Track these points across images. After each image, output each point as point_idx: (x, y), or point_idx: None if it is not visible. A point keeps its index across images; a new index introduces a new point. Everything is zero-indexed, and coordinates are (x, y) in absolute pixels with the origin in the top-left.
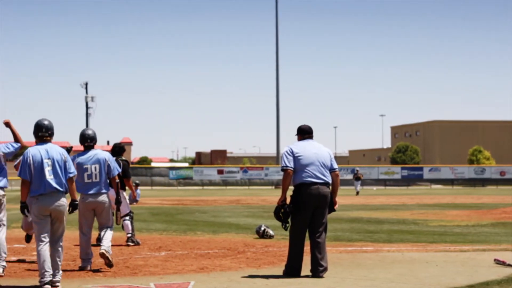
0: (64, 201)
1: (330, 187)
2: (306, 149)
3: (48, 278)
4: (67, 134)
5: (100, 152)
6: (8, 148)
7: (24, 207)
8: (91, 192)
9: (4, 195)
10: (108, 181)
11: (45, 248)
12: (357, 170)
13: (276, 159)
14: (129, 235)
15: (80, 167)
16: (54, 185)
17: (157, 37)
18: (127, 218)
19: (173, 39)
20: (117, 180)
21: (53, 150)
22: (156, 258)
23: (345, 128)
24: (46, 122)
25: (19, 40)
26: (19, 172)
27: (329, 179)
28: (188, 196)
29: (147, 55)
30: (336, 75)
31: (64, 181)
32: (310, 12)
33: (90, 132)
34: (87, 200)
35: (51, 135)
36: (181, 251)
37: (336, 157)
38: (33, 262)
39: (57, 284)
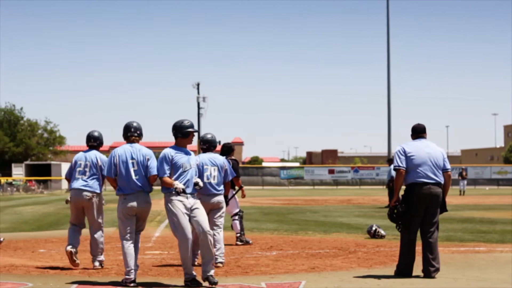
0: (150, 201)
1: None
2: (419, 149)
3: (133, 276)
4: None
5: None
6: (104, 163)
7: None
8: None
9: (92, 196)
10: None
11: (131, 246)
12: (462, 169)
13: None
14: (238, 234)
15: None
16: (140, 185)
17: (268, 37)
18: (236, 217)
19: (285, 39)
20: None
21: (138, 151)
22: (267, 257)
23: (457, 127)
24: (135, 123)
25: (134, 42)
26: (105, 171)
27: (441, 179)
28: (299, 195)
29: (258, 55)
30: (448, 74)
31: (147, 182)
32: (422, 11)
33: (96, 133)
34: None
35: (140, 135)
36: (292, 250)
37: (448, 157)
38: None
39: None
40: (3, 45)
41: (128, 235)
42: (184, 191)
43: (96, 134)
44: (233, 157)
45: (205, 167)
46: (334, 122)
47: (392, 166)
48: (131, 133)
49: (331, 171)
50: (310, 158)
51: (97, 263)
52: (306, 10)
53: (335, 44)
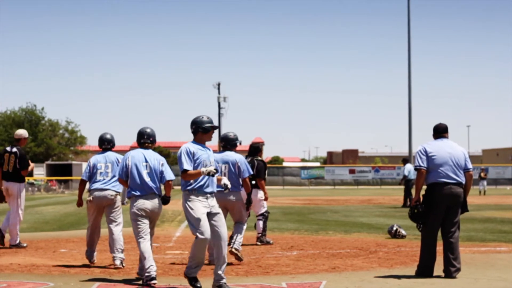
0: (160, 204)
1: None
2: (440, 149)
3: (154, 273)
4: None
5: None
6: (119, 162)
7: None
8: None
9: (116, 195)
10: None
11: (148, 244)
12: (482, 170)
13: (409, 158)
14: (259, 235)
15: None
16: (152, 187)
17: (289, 38)
18: (261, 218)
19: (306, 39)
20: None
21: (151, 156)
22: (288, 257)
23: (479, 127)
24: (148, 130)
25: (155, 42)
26: (117, 173)
27: (462, 179)
28: (320, 195)
29: (279, 55)
30: (469, 74)
31: (159, 185)
32: (442, 11)
33: (108, 136)
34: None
35: (153, 142)
36: (312, 250)
37: (469, 157)
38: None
39: (154, 281)
40: (24, 45)
41: (143, 234)
42: (216, 172)
43: (108, 136)
44: (259, 158)
45: (217, 165)
46: (355, 121)
47: (405, 166)
48: (144, 140)
49: (351, 171)
50: (330, 158)
51: (118, 261)
52: (327, 10)
53: (356, 44)
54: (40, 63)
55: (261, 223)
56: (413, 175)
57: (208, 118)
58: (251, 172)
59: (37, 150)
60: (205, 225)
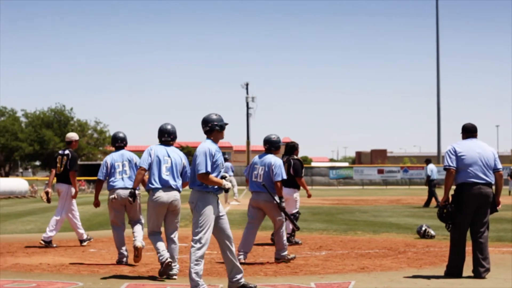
0: (179, 197)
1: (493, 187)
2: (470, 148)
3: (166, 255)
4: (228, 134)
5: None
6: (138, 161)
7: (133, 194)
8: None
9: (138, 193)
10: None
11: (160, 238)
12: (511, 170)
13: (437, 158)
14: (288, 235)
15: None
16: (170, 181)
17: (317, 38)
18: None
19: (335, 40)
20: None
21: (174, 152)
22: (316, 257)
23: (508, 126)
24: (169, 127)
25: (184, 42)
26: (140, 162)
27: (491, 179)
28: (348, 195)
29: (307, 56)
30: (498, 73)
31: (179, 181)
32: (471, 11)
33: (121, 134)
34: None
35: (174, 139)
36: (341, 250)
37: (498, 156)
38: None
39: (174, 277)
40: (53, 46)
41: (157, 228)
42: (229, 189)
43: (121, 135)
44: (295, 157)
45: (254, 166)
46: (384, 121)
47: (428, 166)
48: (165, 138)
49: (380, 171)
50: (359, 158)
51: (139, 243)
52: (355, 11)
53: (385, 45)
54: (69, 64)
55: (289, 223)
56: (435, 175)
57: (219, 115)
58: (284, 177)
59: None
60: (211, 231)
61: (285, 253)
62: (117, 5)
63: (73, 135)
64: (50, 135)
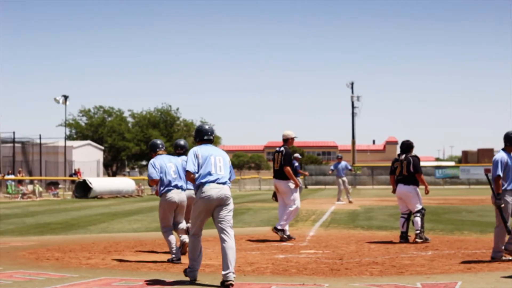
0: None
1: None
2: None
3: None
4: (333, 134)
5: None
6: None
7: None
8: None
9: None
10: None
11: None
12: None
13: None
14: (417, 231)
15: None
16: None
17: (424, 36)
18: (418, 214)
19: (439, 36)
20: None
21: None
22: (422, 257)
23: None
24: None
25: (288, 42)
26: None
27: None
28: (455, 195)
29: (412, 53)
30: None
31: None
32: None
33: (182, 142)
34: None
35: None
36: (448, 250)
37: None
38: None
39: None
40: (161, 48)
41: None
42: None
43: (182, 143)
44: (413, 154)
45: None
46: (491, 120)
47: None
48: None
49: (487, 171)
50: (465, 157)
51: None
52: (453, 9)
53: (493, 40)
54: (176, 64)
55: (418, 220)
56: None
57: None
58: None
59: (172, 150)
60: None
61: None
62: (222, 3)
63: (288, 133)
64: (157, 135)
